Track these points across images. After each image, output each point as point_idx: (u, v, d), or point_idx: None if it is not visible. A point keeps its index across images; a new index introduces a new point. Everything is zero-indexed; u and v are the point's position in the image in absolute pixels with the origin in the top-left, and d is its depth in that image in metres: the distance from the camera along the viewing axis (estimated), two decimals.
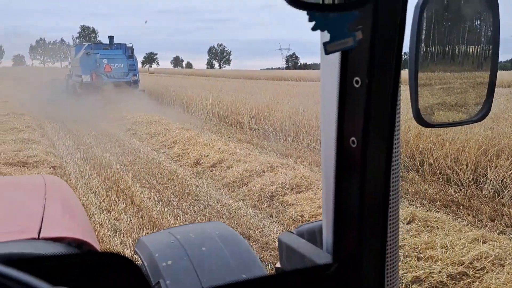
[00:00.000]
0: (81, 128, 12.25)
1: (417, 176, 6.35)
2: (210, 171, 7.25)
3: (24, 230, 1.19)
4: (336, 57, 0.68)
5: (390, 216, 0.74)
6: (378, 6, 0.62)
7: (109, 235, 4.63)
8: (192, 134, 9.99)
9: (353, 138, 0.69)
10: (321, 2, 0.57)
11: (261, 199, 5.61)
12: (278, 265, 0.98)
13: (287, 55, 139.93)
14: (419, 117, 0.87)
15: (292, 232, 0.96)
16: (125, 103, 15.73)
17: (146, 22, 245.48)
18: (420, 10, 0.79)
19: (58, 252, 0.70)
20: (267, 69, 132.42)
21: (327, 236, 0.81)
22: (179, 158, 8.28)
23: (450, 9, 1.02)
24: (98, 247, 1.30)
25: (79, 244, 1.19)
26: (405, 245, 3.78)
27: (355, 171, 0.71)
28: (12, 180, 2.63)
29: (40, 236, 1.15)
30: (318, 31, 0.57)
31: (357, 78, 0.67)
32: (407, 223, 4.21)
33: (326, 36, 0.58)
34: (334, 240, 0.78)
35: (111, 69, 18.28)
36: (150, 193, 6.10)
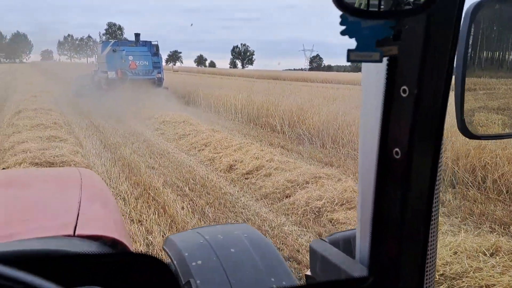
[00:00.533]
0: (108, 126, 11.94)
1: (478, 194, 5.66)
2: (246, 178, 6.72)
3: (60, 226, 1.21)
4: (381, 63, 0.63)
5: (431, 230, 0.71)
6: (432, 14, 0.60)
7: (141, 251, 4.14)
8: (223, 136, 9.50)
9: (397, 149, 0.68)
10: (376, 9, 0.57)
11: (307, 215, 5.04)
12: (308, 272, 0.96)
13: (311, 57, 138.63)
14: (463, 128, 0.85)
15: (324, 240, 0.95)
16: (150, 101, 15.45)
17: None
18: (471, 16, 0.78)
19: (93, 251, 0.67)
20: (289, 69, 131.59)
21: (362, 247, 0.80)
22: (210, 162, 7.79)
23: (501, 14, 0.95)
24: (131, 246, 1.28)
25: (113, 243, 1.18)
26: (494, 284, 3.15)
27: (397, 182, 0.69)
28: (48, 172, 2.65)
29: (76, 233, 1.16)
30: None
31: (404, 87, 0.65)
32: (490, 255, 3.57)
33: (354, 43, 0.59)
34: (371, 253, 0.75)
35: (136, 66, 18.22)
36: (183, 202, 5.61)
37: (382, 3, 0.57)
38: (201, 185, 6.40)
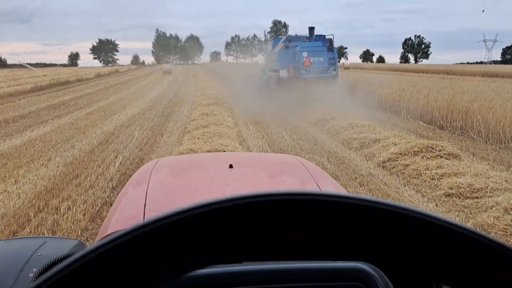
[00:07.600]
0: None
1: None
2: None
3: None
4: None
5: None
6: None
7: None
8: None
9: None
10: None
11: None
12: None
13: (504, 48, 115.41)
14: None
15: None
16: (340, 110, 12.09)
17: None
18: None
19: None
20: (461, 63, 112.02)
21: None
22: None
23: None
24: None
25: None
26: None
27: None
28: (268, 156, 3.30)
29: None
30: None
31: None
32: None
33: None
34: None
35: (311, 63, 15.95)
36: None
37: None
38: None
